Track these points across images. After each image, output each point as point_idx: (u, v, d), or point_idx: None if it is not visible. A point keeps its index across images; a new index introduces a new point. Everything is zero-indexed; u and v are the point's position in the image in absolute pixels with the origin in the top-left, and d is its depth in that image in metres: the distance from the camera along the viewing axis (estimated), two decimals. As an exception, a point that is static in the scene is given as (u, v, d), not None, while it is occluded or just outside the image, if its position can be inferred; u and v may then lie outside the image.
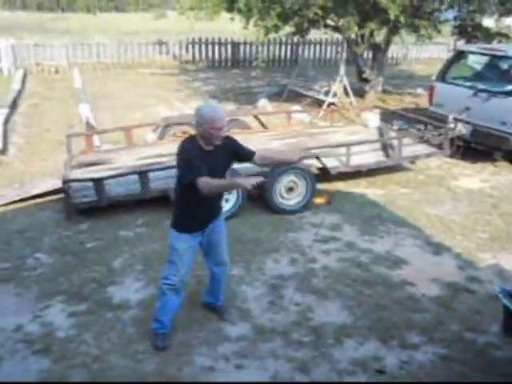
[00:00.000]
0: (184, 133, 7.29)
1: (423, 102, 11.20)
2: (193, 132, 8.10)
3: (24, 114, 10.07)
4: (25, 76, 13.74)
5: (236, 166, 4.03)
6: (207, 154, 3.23)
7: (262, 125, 7.77)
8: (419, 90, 12.84)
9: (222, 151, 3.28)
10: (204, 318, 3.80)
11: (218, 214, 3.53)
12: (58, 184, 5.66)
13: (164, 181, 5.64)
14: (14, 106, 10.45)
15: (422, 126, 7.91)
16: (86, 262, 4.61)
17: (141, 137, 7.55)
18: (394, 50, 17.22)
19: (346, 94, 10.58)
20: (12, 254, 4.73)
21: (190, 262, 3.47)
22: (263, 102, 11.08)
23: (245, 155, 3.43)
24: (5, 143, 7.99)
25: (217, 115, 3.16)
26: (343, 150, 6.22)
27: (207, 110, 3.21)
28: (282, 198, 5.71)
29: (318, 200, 4.92)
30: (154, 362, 3.39)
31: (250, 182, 2.99)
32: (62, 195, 5.65)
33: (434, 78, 8.47)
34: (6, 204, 5.75)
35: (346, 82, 10.51)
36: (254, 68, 13.55)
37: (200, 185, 3.05)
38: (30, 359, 3.41)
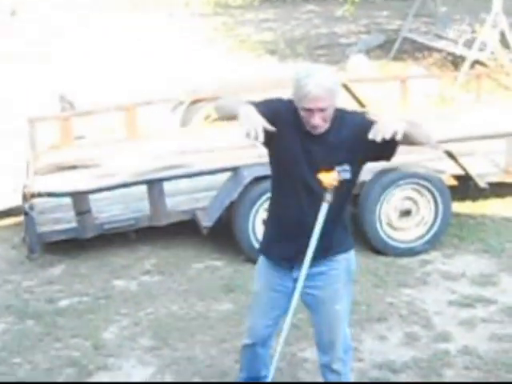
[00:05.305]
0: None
1: None
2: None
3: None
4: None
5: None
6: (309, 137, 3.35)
7: (357, 99, 7.75)
8: None
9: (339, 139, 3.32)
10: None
11: (324, 249, 3.41)
12: (15, 200, 5.85)
13: (189, 196, 5.75)
14: None
15: None
16: (59, 332, 4.70)
17: (151, 121, 7.69)
18: None
19: (505, 45, 10.46)
20: None
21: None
22: (358, 60, 11.02)
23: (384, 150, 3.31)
24: None
25: (302, 82, 3.16)
26: (501, 144, 6.15)
27: (297, 72, 3.26)
28: (392, 227, 5.71)
29: None
30: None
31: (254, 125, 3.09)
32: (20, 219, 5.82)
33: None
34: None
35: (504, 24, 10.36)
36: (342, 3, 13.55)
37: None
38: None
